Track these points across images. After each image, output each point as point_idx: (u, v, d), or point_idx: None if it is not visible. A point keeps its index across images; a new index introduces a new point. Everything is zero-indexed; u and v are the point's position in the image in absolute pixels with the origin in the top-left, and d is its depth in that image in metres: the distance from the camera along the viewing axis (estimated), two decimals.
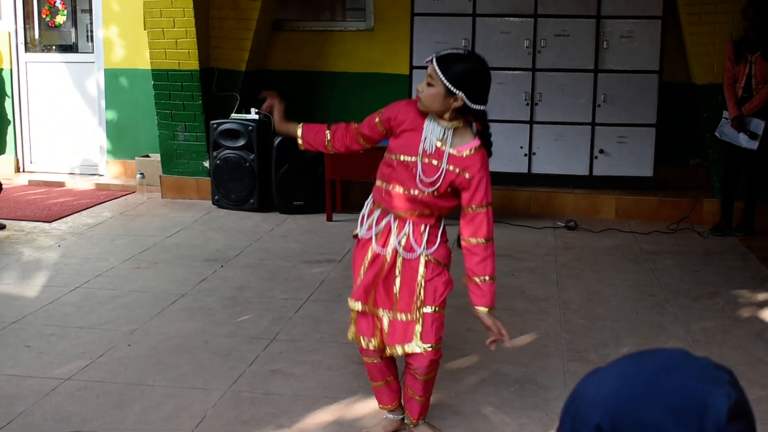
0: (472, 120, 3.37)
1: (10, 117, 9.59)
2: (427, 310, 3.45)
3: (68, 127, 9.59)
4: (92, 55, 9.46)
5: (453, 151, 3.32)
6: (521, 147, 8.28)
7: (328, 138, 3.60)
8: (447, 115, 3.29)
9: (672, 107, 8.20)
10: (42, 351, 4.63)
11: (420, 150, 3.34)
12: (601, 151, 8.19)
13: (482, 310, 3.39)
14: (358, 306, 3.48)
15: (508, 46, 8.17)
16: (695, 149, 8.23)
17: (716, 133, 7.32)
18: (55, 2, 9.44)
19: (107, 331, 4.94)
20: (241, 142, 8.06)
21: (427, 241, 3.43)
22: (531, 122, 8.25)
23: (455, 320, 4.75)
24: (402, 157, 3.37)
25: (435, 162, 3.33)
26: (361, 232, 3.54)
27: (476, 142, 3.34)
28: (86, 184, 9.21)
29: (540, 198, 8.17)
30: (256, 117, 8.14)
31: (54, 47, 9.75)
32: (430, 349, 3.45)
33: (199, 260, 6.44)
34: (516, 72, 8.19)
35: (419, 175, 3.33)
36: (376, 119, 3.47)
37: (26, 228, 7.37)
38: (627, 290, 5.88)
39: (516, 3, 8.12)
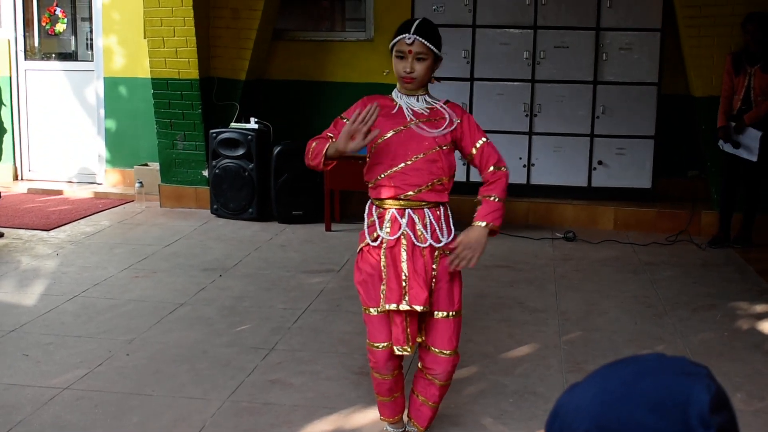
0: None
1: (8, 125, 9.59)
2: (450, 315, 3.46)
3: (67, 135, 9.60)
4: (92, 64, 9.48)
5: (435, 106, 3.45)
6: (520, 158, 8.29)
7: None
8: (427, 83, 3.45)
9: (671, 119, 8.22)
10: (40, 360, 4.62)
11: (408, 116, 3.39)
12: (600, 163, 8.20)
13: (479, 224, 3.38)
14: (420, 308, 3.34)
15: (507, 57, 8.18)
16: (693, 161, 8.25)
17: (719, 144, 7.32)
18: (55, 10, 9.45)
19: (105, 340, 4.93)
20: (240, 152, 8.07)
21: (447, 226, 3.45)
22: (530, 133, 8.26)
23: None
24: (390, 134, 3.37)
25: (435, 119, 3.40)
26: (382, 233, 3.41)
27: (442, 100, 3.53)
28: (84, 192, 9.20)
29: (539, 209, 8.18)
30: (256, 126, 8.15)
31: (54, 55, 9.76)
32: (454, 354, 3.50)
33: (198, 269, 6.44)
34: (515, 83, 8.21)
35: (422, 129, 3.37)
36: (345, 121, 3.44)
37: (24, 236, 7.36)
38: (625, 301, 5.88)
39: (516, 14, 8.15)
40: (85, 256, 6.80)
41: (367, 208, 3.53)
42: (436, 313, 3.45)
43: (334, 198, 7.98)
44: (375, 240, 3.43)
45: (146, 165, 9.09)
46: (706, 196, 7.96)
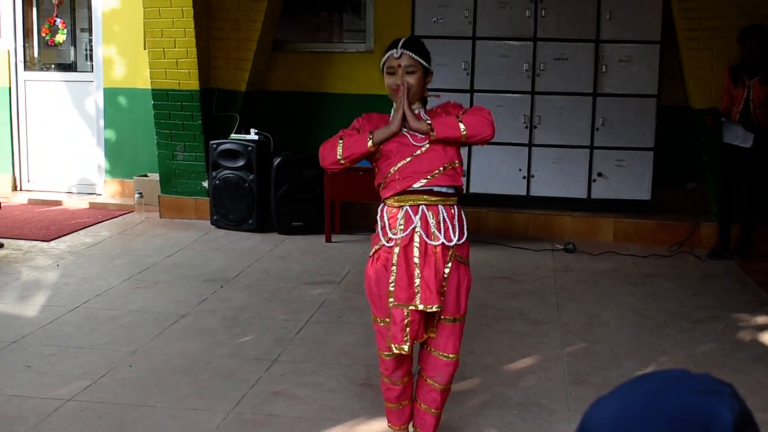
0: None
1: (7, 135, 9.58)
2: (456, 320, 3.48)
3: (66, 145, 9.60)
4: (91, 74, 9.49)
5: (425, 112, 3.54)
6: (520, 169, 8.30)
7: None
8: (422, 96, 3.51)
9: (670, 131, 8.25)
10: (43, 371, 4.61)
11: (404, 126, 3.44)
12: (600, 175, 8.21)
13: (429, 122, 3.43)
14: (433, 308, 3.36)
15: (507, 69, 8.21)
16: (692, 173, 8.27)
17: (724, 138, 7.30)
18: (54, 21, 9.46)
19: (108, 351, 4.92)
20: (240, 163, 8.08)
21: (459, 227, 3.46)
22: (530, 145, 8.28)
23: None
24: (385, 143, 3.44)
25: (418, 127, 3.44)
26: (395, 233, 3.41)
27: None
28: (84, 203, 9.20)
29: (538, 221, 8.19)
30: (256, 137, 8.16)
31: (53, 66, 9.78)
32: (456, 358, 3.54)
33: (199, 281, 6.43)
34: (515, 95, 8.23)
35: (410, 136, 3.42)
36: (354, 132, 3.53)
37: (24, 247, 7.36)
38: (627, 313, 5.89)
39: (516, 26, 8.17)
40: (86, 267, 6.80)
41: (379, 211, 3.54)
42: (443, 317, 3.46)
43: (334, 209, 7.97)
44: (389, 241, 3.44)
45: (146, 176, 9.09)
46: (705, 207, 7.98)
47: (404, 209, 3.41)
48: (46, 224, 8.19)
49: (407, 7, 8.33)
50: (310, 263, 7.05)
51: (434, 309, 3.35)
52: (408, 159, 3.40)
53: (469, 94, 8.19)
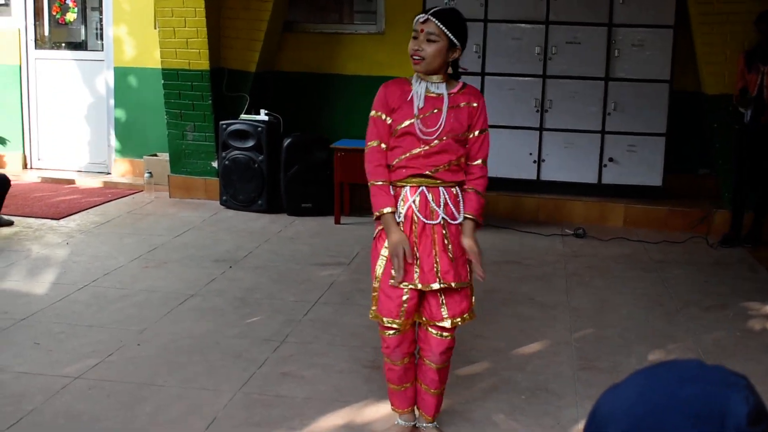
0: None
1: (18, 114, 9.57)
2: (461, 285, 3.48)
3: (77, 124, 9.59)
4: (102, 53, 9.46)
5: (450, 94, 3.44)
6: (530, 153, 8.26)
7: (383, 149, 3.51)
8: (442, 70, 3.42)
9: (682, 116, 8.19)
10: (51, 349, 4.62)
11: (415, 109, 3.40)
12: (611, 160, 8.17)
13: (471, 217, 3.48)
14: (431, 287, 3.41)
15: (519, 52, 8.15)
16: (704, 159, 8.22)
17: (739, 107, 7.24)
18: (65, 0, 9.43)
19: (117, 330, 4.93)
20: (250, 143, 8.06)
21: (462, 204, 3.49)
22: (541, 129, 8.24)
23: (464, 327, 4.72)
24: (404, 124, 3.41)
25: (435, 110, 3.41)
26: (398, 216, 3.45)
27: (460, 82, 3.52)
28: (94, 182, 9.20)
29: (548, 205, 8.16)
30: (266, 118, 8.13)
31: (63, 45, 9.75)
32: (450, 336, 3.54)
33: (208, 261, 6.43)
34: (526, 78, 8.18)
35: (419, 129, 3.38)
36: (385, 120, 3.47)
37: (34, 225, 7.36)
38: (636, 299, 5.86)
39: (528, 9, 8.11)
40: (95, 245, 6.80)
41: None
42: (454, 284, 3.46)
43: (343, 190, 7.96)
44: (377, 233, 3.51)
45: (155, 155, 9.08)
46: (717, 194, 7.94)
47: (405, 190, 3.45)
48: (56, 203, 8.20)
49: None
50: (319, 244, 7.04)
51: (433, 287, 3.41)
52: (418, 150, 3.41)
53: (480, 77, 8.14)
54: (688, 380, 1.07)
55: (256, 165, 8.06)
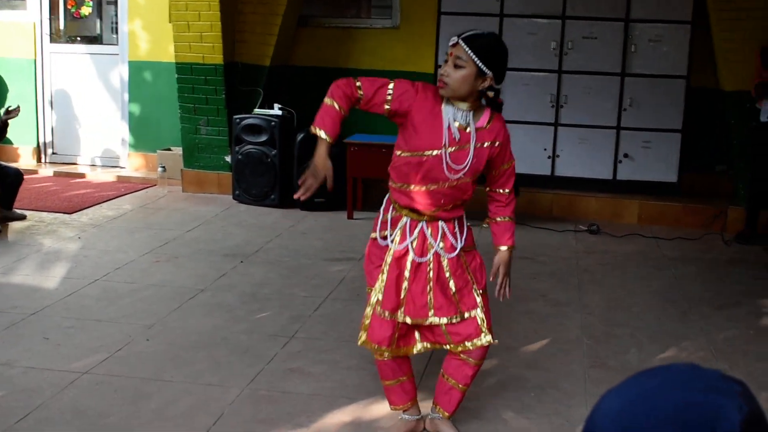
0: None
1: (32, 107, 9.59)
2: (479, 298, 3.45)
3: (91, 118, 9.61)
4: (117, 47, 9.47)
5: (477, 129, 3.31)
6: (545, 149, 8.21)
7: (358, 95, 3.33)
8: (471, 98, 3.25)
9: (699, 113, 8.11)
10: (60, 343, 4.62)
11: (444, 140, 3.27)
12: (626, 156, 8.11)
13: (503, 248, 3.50)
14: (420, 321, 3.42)
15: (534, 47, 8.10)
16: (721, 156, 8.13)
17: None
18: None
19: (126, 324, 4.92)
20: (263, 138, 8.04)
21: (459, 233, 3.43)
22: (556, 124, 8.19)
23: None
24: (426, 153, 3.28)
25: (463, 147, 3.29)
26: (391, 244, 3.41)
27: (488, 111, 3.36)
28: (107, 176, 9.22)
29: (562, 201, 8.10)
30: (279, 113, 8.11)
31: (79, 39, 9.76)
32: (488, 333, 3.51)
33: (219, 255, 6.42)
34: (542, 73, 8.13)
35: (447, 164, 3.27)
36: (388, 95, 3.28)
37: (47, 219, 7.37)
38: (649, 297, 5.80)
39: (544, 4, 8.05)
40: (107, 239, 6.80)
41: (384, 201, 3.53)
42: (466, 314, 3.43)
43: (356, 186, 7.93)
44: (384, 239, 3.45)
45: (169, 150, 9.08)
46: (733, 191, 7.86)
47: (404, 221, 3.40)
48: (69, 197, 8.21)
49: None
50: (331, 240, 7.01)
51: (423, 322, 3.40)
52: (434, 187, 3.31)
53: None
54: (678, 386, 1.04)
55: (269, 159, 8.04)
